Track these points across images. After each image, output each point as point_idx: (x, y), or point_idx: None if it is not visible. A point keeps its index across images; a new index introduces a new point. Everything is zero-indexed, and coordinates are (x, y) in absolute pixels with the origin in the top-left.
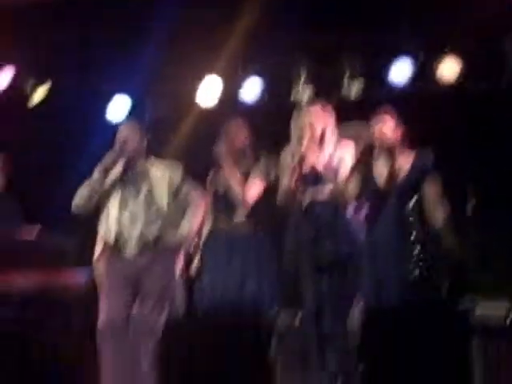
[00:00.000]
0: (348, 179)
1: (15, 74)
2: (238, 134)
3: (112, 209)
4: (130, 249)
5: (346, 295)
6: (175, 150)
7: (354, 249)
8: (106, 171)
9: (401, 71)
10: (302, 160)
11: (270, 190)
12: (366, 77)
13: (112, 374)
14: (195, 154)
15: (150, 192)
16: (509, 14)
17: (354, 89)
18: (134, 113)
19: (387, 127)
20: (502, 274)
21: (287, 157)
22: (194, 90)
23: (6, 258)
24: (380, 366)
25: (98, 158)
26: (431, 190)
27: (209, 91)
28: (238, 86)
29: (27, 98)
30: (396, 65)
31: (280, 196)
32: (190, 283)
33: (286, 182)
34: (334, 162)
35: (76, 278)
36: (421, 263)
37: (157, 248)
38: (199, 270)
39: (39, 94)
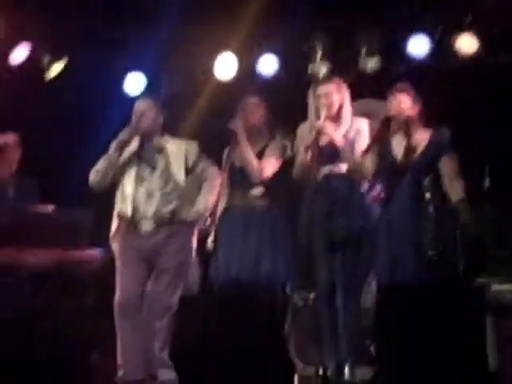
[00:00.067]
0: (365, 155)
1: (31, 50)
2: (255, 111)
3: (128, 185)
4: (146, 225)
5: (359, 272)
6: (191, 126)
7: (369, 224)
8: (122, 147)
9: (418, 46)
10: (319, 134)
11: (286, 166)
12: (383, 52)
13: (127, 349)
14: (211, 129)
15: (167, 168)
16: None
17: (371, 64)
18: (149, 89)
19: (405, 103)
20: None
21: (304, 131)
22: (210, 65)
23: (22, 234)
24: (394, 344)
25: (114, 134)
26: (448, 167)
27: (225, 66)
28: (254, 62)
29: (43, 73)
30: (413, 39)
31: (296, 170)
32: (205, 259)
33: (302, 156)
34: (351, 137)
35: (92, 254)
36: (436, 239)
37: (172, 224)
38: (214, 246)
39: (55, 70)
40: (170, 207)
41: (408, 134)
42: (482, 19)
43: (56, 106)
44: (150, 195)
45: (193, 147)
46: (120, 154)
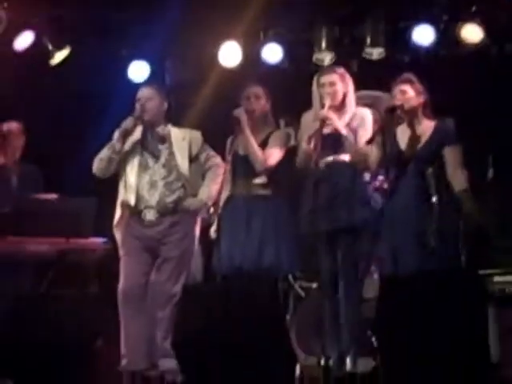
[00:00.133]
0: (368, 144)
1: (35, 37)
2: (259, 99)
3: (131, 174)
4: (149, 214)
5: (361, 263)
6: (195, 114)
7: (371, 215)
8: (125, 136)
9: (423, 35)
10: (323, 123)
11: (290, 155)
12: (387, 41)
13: (131, 339)
14: (215, 118)
15: (170, 157)
16: None
17: (375, 53)
18: (153, 77)
19: (409, 93)
20: None
21: (308, 120)
22: (214, 53)
23: (25, 223)
24: (395, 335)
25: (118, 122)
26: (451, 157)
27: (230, 54)
28: (259, 50)
29: (47, 60)
30: (418, 29)
31: (299, 159)
32: (208, 249)
33: (306, 145)
34: (354, 126)
35: (95, 243)
36: (439, 230)
37: (176, 213)
38: (217, 236)
39: (59, 57)
40: (174, 196)
41: (412, 124)
42: (487, 8)
43: (60, 93)
44: (153, 184)
45: (196, 136)
46: (123, 143)
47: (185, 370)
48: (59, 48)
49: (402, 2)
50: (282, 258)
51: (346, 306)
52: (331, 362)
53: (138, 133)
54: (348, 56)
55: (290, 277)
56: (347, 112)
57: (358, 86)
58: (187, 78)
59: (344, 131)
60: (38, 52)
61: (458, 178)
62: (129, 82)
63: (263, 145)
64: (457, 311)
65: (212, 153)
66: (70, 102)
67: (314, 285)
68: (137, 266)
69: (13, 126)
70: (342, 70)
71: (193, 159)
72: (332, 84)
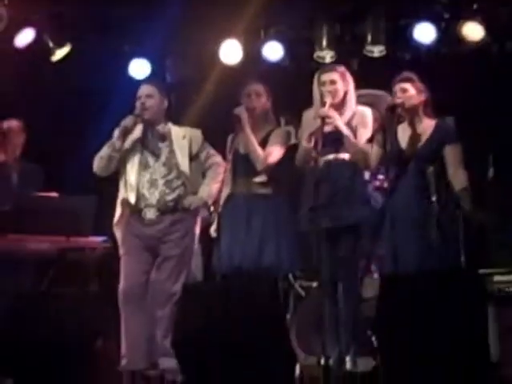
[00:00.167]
0: (369, 143)
1: (36, 34)
2: (259, 97)
3: (131, 172)
4: (150, 213)
5: (360, 262)
6: (195, 112)
7: (370, 213)
8: (125, 134)
9: (424, 33)
10: (323, 121)
11: (290, 153)
12: (388, 39)
13: (131, 338)
14: (216, 115)
15: (171, 155)
16: None
17: (376, 51)
18: (154, 75)
19: (410, 91)
20: None
21: (309, 118)
22: (215, 51)
23: (25, 221)
24: (395, 334)
25: (119, 120)
26: (452, 156)
27: (231, 52)
28: (260, 48)
29: (48, 57)
30: (419, 26)
31: (299, 157)
32: (208, 247)
33: (306, 143)
34: (354, 125)
35: (95, 241)
36: (439, 229)
37: (176, 211)
38: (218, 235)
39: (60, 54)
40: (174, 195)
41: (413, 123)
42: (488, 6)
43: (60, 90)
44: (153, 183)
45: (197, 134)
46: (123, 141)
47: (185, 369)
48: (60, 45)
49: (402, 0)
50: (282, 256)
51: (345, 305)
52: (331, 362)
53: (138, 131)
54: (349, 54)
55: (291, 276)
56: (347, 110)
57: (359, 84)
58: (188, 76)
59: (344, 130)
60: (38, 49)
61: (458, 177)
62: (129, 79)
63: (264, 143)
64: (457, 310)
65: (212, 151)
66: (70, 98)
67: (315, 284)
68: (137, 265)
69: (13, 123)
70: (342, 69)
71: (193, 157)
72: (333, 82)
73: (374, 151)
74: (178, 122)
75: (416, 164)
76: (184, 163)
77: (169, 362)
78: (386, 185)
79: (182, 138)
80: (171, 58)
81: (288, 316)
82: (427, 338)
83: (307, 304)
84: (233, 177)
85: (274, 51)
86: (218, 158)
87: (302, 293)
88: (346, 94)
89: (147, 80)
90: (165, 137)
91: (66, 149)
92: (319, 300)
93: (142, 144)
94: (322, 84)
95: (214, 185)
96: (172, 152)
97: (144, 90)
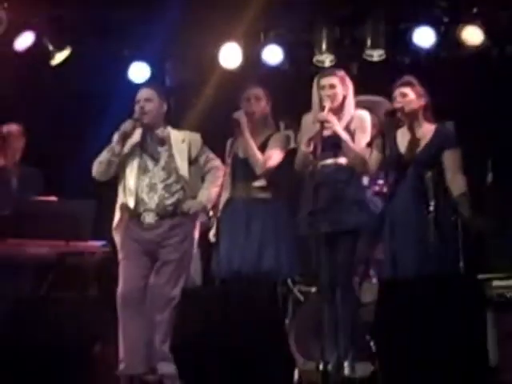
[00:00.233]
0: (368, 147)
1: (36, 37)
2: (259, 101)
3: (130, 177)
4: (149, 217)
5: (360, 266)
6: (195, 116)
7: (368, 218)
8: (125, 138)
9: (424, 37)
10: (322, 125)
11: (290, 157)
12: (388, 43)
13: (129, 342)
14: (215, 119)
15: (170, 160)
16: None
17: (376, 55)
18: (153, 78)
19: (410, 95)
20: None
21: (308, 122)
22: (215, 54)
23: (25, 225)
24: (394, 339)
25: (118, 124)
26: (451, 161)
27: (230, 55)
28: (259, 52)
29: (48, 61)
30: (419, 30)
31: (298, 161)
32: (207, 251)
33: (305, 148)
34: (353, 129)
35: (94, 245)
36: (437, 234)
37: (175, 216)
38: (217, 239)
39: (59, 58)
40: (173, 199)
41: (412, 128)
42: (488, 10)
43: (60, 93)
44: (152, 187)
45: (196, 138)
46: (123, 146)
47: (183, 374)
48: (59, 48)
49: (402, 4)
50: (281, 261)
51: (344, 309)
52: (330, 367)
53: (137, 135)
54: (348, 58)
55: (289, 281)
56: (346, 115)
57: (358, 89)
58: (187, 80)
59: (343, 134)
60: (38, 52)
61: (456, 183)
62: (129, 83)
63: (263, 147)
64: (455, 315)
65: (211, 155)
66: (70, 102)
67: (313, 289)
68: (136, 270)
69: (13, 127)
70: (342, 73)
71: (192, 161)
72: (332, 86)
73: (373, 156)
74: (177, 125)
75: (415, 169)
76: (183, 167)
77: (167, 367)
78: (385, 190)
79: (181, 141)
80: (171, 61)
81: (287, 321)
82: (426, 343)
83: (306, 309)
84: (232, 181)
85: (273, 55)
86: (217, 162)
87: (301, 298)
88: (344, 98)
89: (146, 84)
90: (164, 141)
91: (65, 153)
92: (318, 305)
93: (141, 148)
94: (321, 88)
95: (213, 189)
96: (171, 156)
97: (143, 93)
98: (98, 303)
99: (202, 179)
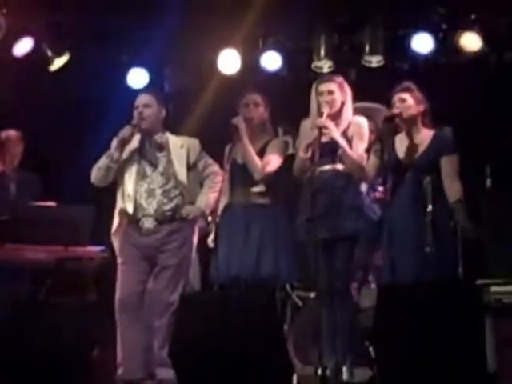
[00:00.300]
0: (365, 154)
1: (35, 43)
2: (257, 107)
3: (129, 182)
4: (147, 222)
5: (358, 271)
6: (193, 122)
7: (367, 223)
8: (123, 144)
9: (422, 43)
10: (320, 131)
11: (288, 163)
12: (386, 49)
13: (127, 347)
14: (213, 125)
15: (168, 165)
16: None
17: (374, 61)
18: (152, 84)
19: (408, 101)
20: None
21: (307, 128)
22: (213, 60)
23: (23, 230)
24: (393, 345)
25: (117, 128)
26: (447, 167)
27: (229, 60)
28: (258, 58)
29: (46, 67)
30: (417, 37)
31: (296, 167)
32: (206, 257)
33: (303, 154)
34: (351, 135)
35: (93, 251)
36: (435, 239)
37: (174, 221)
38: (215, 245)
39: (58, 64)
40: (172, 204)
41: (411, 133)
42: (486, 17)
43: (59, 99)
44: (151, 192)
45: (194, 144)
46: (121, 152)
47: (182, 379)
48: (58, 54)
49: (400, 10)
50: (280, 266)
51: (341, 315)
52: (328, 372)
53: (135, 141)
54: (347, 64)
55: (288, 286)
56: (343, 121)
57: (357, 95)
58: (186, 85)
59: (341, 141)
60: (37, 58)
61: (453, 189)
62: (128, 89)
63: (261, 153)
64: (454, 321)
65: (210, 161)
66: (68, 108)
67: (312, 294)
68: (134, 275)
69: (11, 133)
70: (340, 79)
71: (191, 167)
72: (330, 92)
73: (371, 162)
74: (175, 131)
75: (413, 174)
76: (182, 173)
77: (166, 373)
78: (386, 197)
79: (179, 147)
80: (169, 67)
81: (285, 326)
82: (424, 348)
83: (305, 314)
84: (231, 187)
85: (272, 61)
86: (215, 168)
87: (300, 303)
88: (343, 104)
89: (145, 89)
90: (162, 146)
91: (64, 158)
92: (317, 310)
93: (140, 154)
94: (319, 94)
95: (212, 194)
96: (170, 162)
97: (142, 99)
98: (97, 308)
99: (201, 185)
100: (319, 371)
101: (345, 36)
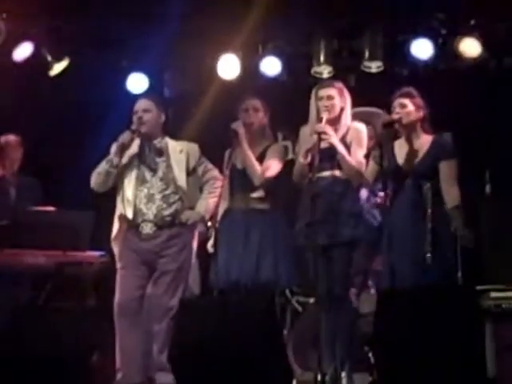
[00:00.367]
0: (364, 159)
1: (35, 48)
2: (257, 112)
3: (129, 186)
4: (147, 227)
5: (358, 277)
6: (193, 127)
7: (366, 229)
8: (123, 150)
9: (422, 49)
10: (320, 137)
11: (287, 168)
12: (386, 54)
13: (126, 352)
14: (213, 130)
15: (168, 170)
16: None
17: (374, 65)
18: (151, 89)
19: (408, 107)
20: None
21: (307, 134)
22: (213, 65)
23: (23, 235)
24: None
25: (116, 133)
26: (446, 172)
27: (229, 66)
28: (257, 63)
29: (46, 72)
30: (417, 42)
31: (296, 172)
32: (205, 262)
33: (302, 159)
34: (350, 141)
35: (92, 256)
36: (434, 245)
37: (173, 226)
38: (215, 250)
39: (57, 69)
40: (171, 209)
41: (410, 139)
42: (486, 22)
43: (58, 104)
44: (150, 198)
45: (194, 149)
46: (121, 157)
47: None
48: (58, 59)
49: (400, 16)
50: (279, 272)
51: (341, 320)
52: (327, 378)
53: (135, 146)
54: (346, 69)
55: (288, 292)
56: (342, 126)
57: (356, 100)
58: (186, 90)
59: (339, 147)
60: (36, 63)
61: (450, 195)
62: (127, 93)
63: (261, 158)
64: (454, 326)
65: (210, 166)
66: (68, 112)
67: (311, 300)
68: (133, 280)
69: (11, 138)
70: (340, 85)
71: (190, 172)
72: (330, 97)
73: (370, 168)
74: (175, 136)
75: (413, 180)
76: (181, 178)
77: (165, 377)
78: (385, 202)
79: (179, 152)
80: (169, 72)
81: (285, 331)
82: (424, 353)
83: (304, 320)
84: (230, 192)
85: (271, 66)
86: (215, 173)
87: (299, 308)
88: (342, 110)
89: (144, 94)
90: (162, 151)
91: (64, 163)
92: (316, 316)
93: (139, 159)
94: (319, 99)
95: (212, 199)
96: (169, 167)
97: (141, 104)
98: (96, 313)
99: (200, 190)
100: (318, 377)
101: (344, 41)
